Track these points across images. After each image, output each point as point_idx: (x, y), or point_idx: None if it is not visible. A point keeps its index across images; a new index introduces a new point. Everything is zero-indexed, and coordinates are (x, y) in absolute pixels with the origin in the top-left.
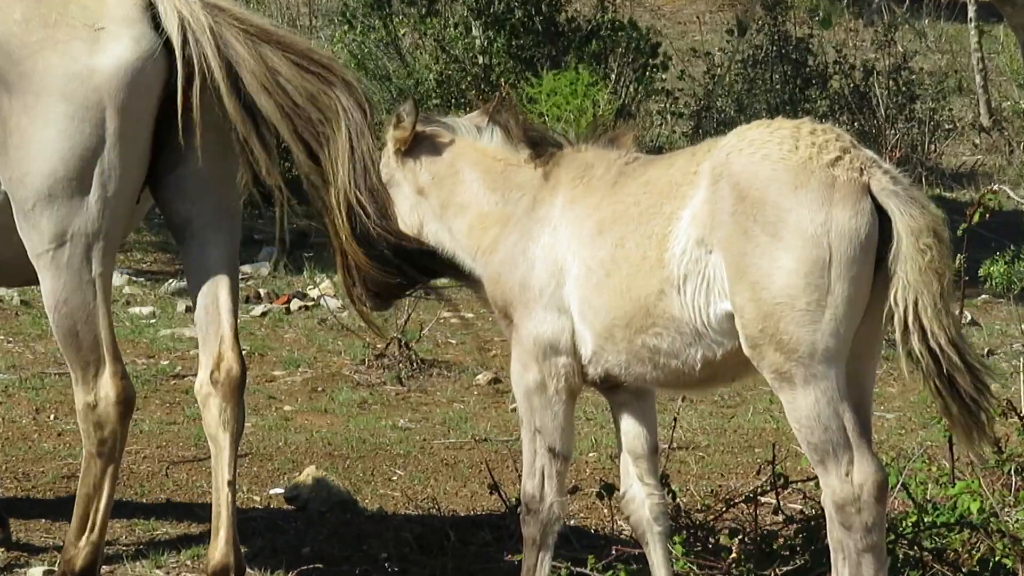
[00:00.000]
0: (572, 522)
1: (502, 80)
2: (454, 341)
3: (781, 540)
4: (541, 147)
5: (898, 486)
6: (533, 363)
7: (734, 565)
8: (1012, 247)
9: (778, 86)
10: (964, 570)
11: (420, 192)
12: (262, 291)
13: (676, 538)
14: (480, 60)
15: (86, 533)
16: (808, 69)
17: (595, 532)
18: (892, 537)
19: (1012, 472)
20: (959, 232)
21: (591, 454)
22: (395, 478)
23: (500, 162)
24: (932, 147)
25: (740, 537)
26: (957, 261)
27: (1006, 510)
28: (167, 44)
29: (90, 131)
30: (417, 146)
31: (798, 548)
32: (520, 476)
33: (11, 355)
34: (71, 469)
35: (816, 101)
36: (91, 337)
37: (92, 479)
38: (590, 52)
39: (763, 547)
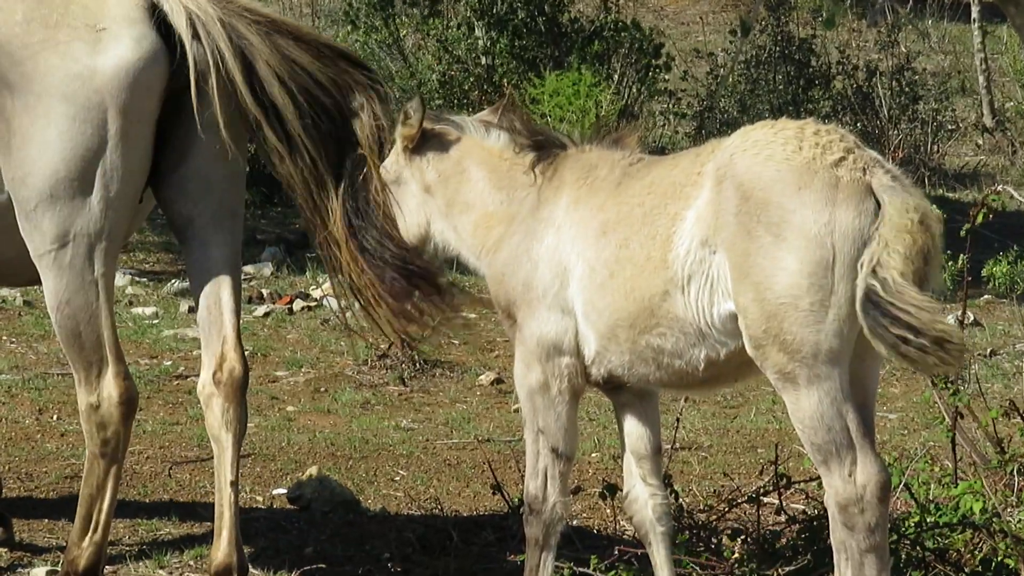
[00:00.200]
0: (575, 522)
1: (505, 81)
2: (457, 342)
3: (784, 540)
4: (545, 148)
5: (901, 486)
6: (536, 363)
7: (737, 565)
8: (1015, 247)
9: (781, 87)
10: (966, 570)
11: (427, 190)
12: (265, 291)
13: (679, 538)
14: (483, 61)
15: (89, 533)
16: (811, 70)
17: (598, 532)
18: (895, 537)
19: (1015, 472)
20: (962, 232)
21: (594, 454)
22: (398, 478)
23: (506, 161)
24: (935, 148)
25: (743, 537)
26: (960, 261)
27: (1009, 510)
28: (168, 44)
29: (91, 132)
30: (425, 144)
31: (801, 548)
32: (523, 476)
33: (14, 355)
34: (74, 469)
35: (819, 102)
36: (94, 337)
37: (95, 479)
38: (593, 53)
39: (766, 547)
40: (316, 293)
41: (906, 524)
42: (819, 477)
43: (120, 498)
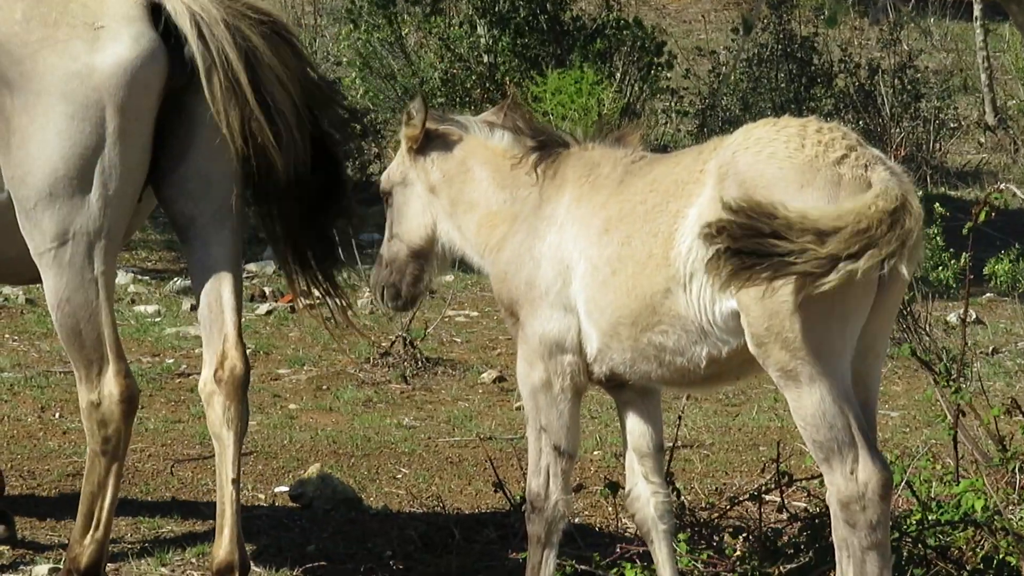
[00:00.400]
0: (577, 520)
1: (507, 79)
2: (459, 339)
3: (785, 538)
4: (548, 147)
5: (902, 484)
6: (539, 361)
7: (738, 563)
8: (1017, 246)
9: (783, 85)
10: (968, 568)
11: (432, 190)
12: (267, 289)
13: (681, 536)
14: (485, 59)
15: (91, 531)
16: (813, 68)
17: (600, 530)
18: (896, 535)
19: (1016, 470)
20: (964, 231)
21: (596, 452)
22: (400, 476)
23: (509, 161)
24: (937, 146)
25: (744, 535)
26: (962, 259)
27: (1010, 508)
28: (167, 42)
29: (90, 130)
30: (429, 144)
31: (802, 546)
32: (525, 474)
33: (16, 353)
34: (76, 467)
35: (821, 100)
36: (94, 335)
37: (96, 477)
38: (595, 51)
39: (767, 545)
40: (317, 292)
41: (908, 522)
42: (821, 475)
43: (122, 496)
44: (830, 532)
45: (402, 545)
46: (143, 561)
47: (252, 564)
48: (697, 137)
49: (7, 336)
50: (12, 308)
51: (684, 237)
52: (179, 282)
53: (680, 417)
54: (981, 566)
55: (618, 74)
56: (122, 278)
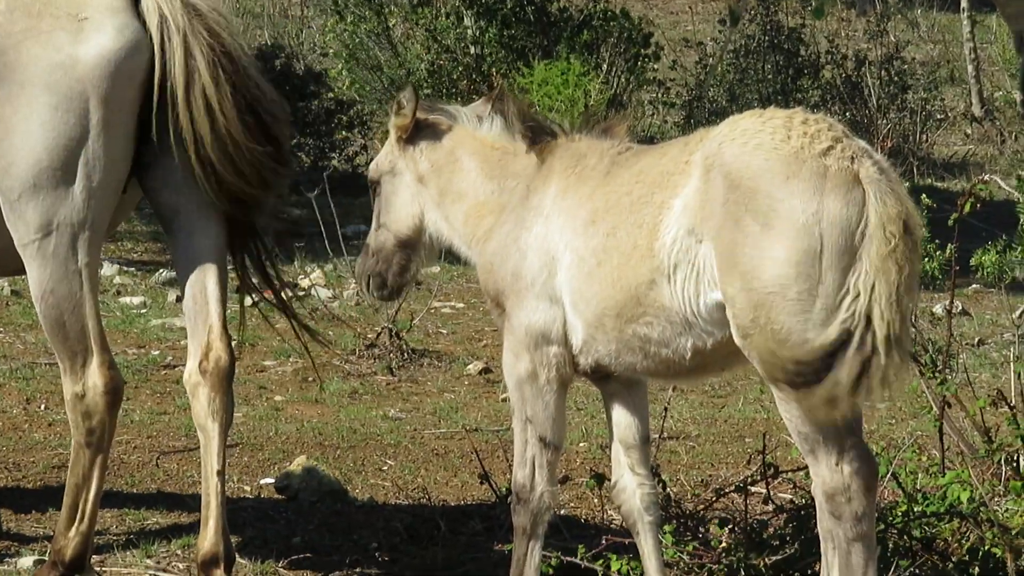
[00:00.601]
0: (563, 512)
1: (494, 70)
2: (445, 331)
3: (771, 530)
4: (538, 137)
5: (888, 476)
6: (525, 352)
7: (724, 555)
8: (1003, 237)
9: (770, 76)
10: (954, 559)
11: (420, 180)
12: (253, 280)
13: (666, 528)
14: (471, 50)
15: (76, 523)
16: (800, 59)
17: (585, 522)
18: (882, 526)
19: (1002, 462)
20: (950, 222)
21: (582, 444)
22: (386, 468)
23: (498, 151)
24: (924, 137)
25: (730, 527)
26: (948, 251)
27: (996, 499)
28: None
29: (74, 121)
30: (418, 134)
31: (788, 538)
32: (511, 466)
33: (2, 345)
34: (62, 459)
35: (808, 91)
36: (78, 327)
37: (81, 469)
38: (582, 42)
39: (753, 537)
40: (304, 283)
41: (893, 513)
42: (806, 466)
43: (108, 488)
44: (816, 524)
45: (388, 537)
46: (128, 553)
47: (237, 556)
48: (684, 128)
49: None
50: None
51: (669, 228)
52: (164, 273)
53: (666, 409)
54: (967, 558)
55: (605, 65)
56: (108, 269)
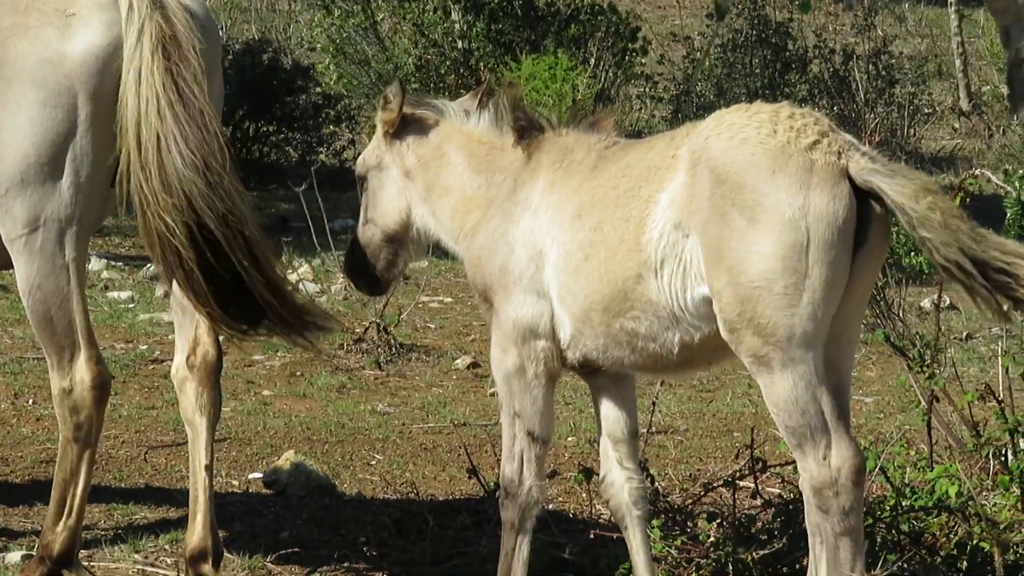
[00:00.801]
0: (551, 506)
1: (481, 65)
2: (433, 326)
3: (759, 524)
4: (526, 131)
5: (876, 470)
6: (512, 347)
7: (712, 549)
8: (992, 231)
9: (758, 70)
10: (942, 554)
11: (407, 175)
12: None
13: (655, 522)
14: (459, 44)
15: (63, 518)
16: (788, 53)
17: (574, 516)
18: (870, 521)
19: (990, 456)
20: None
21: (570, 438)
22: (374, 463)
23: (485, 145)
24: (912, 131)
25: (718, 521)
26: None
27: (984, 494)
28: None
29: (62, 117)
30: (405, 128)
31: (776, 532)
32: (499, 460)
33: None
34: (50, 454)
35: (796, 85)
36: (65, 322)
37: (69, 464)
38: (569, 36)
39: (741, 531)
40: (292, 277)
41: (881, 507)
42: (794, 461)
43: (95, 482)
44: (804, 518)
45: (376, 531)
46: (116, 548)
47: (225, 550)
48: (671, 123)
49: None
50: None
51: (656, 223)
52: (152, 268)
53: (654, 403)
54: (955, 552)
55: (592, 60)
56: (95, 264)
